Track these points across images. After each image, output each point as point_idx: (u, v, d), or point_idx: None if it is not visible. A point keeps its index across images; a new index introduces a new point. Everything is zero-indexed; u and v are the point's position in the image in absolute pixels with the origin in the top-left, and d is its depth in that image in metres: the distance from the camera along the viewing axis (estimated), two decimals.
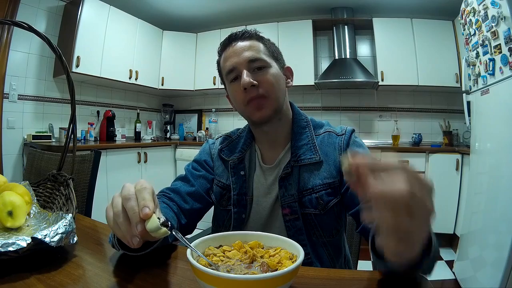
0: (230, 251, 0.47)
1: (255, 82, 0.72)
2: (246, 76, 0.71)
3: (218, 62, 0.82)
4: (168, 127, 3.73)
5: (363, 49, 3.28)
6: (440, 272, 2.12)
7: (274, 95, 0.74)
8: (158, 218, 0.43)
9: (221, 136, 0.90)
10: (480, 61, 1.74)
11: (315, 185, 0.73)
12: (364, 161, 0.33)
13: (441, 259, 2.34)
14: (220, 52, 0.80)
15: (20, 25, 0.62)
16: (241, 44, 0.76)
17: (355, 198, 0.69)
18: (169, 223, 0.45)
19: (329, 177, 0.73)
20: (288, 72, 0.83)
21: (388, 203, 0.31)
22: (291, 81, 0.83)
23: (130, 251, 0.50)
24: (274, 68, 0.76)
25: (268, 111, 0.74)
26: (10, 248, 0.46)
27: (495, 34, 1.54)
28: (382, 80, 2.92)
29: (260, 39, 0.79)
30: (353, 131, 0.79)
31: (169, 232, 0.44)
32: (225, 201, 0.80)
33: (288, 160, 0.76)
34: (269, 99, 0.74)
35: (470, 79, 1.95)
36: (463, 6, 1.91)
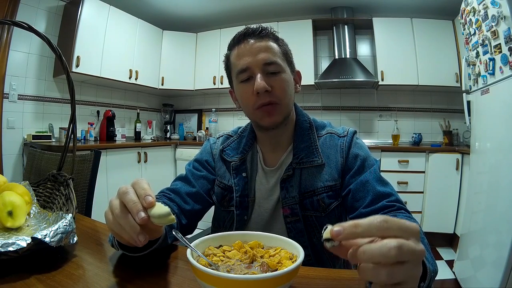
0: (230, 251, 0.47)
1: (269, 87, 0.69)
2: (260, 80, 0.69)
3: (228, 57, 0.78)
4: (168, 127, 3.73)
5: (363, 49, 3.28)
6: (440, 272, 2.11)
7: (285, 102, 0.72)
8: None
9: (222, 136, 0.89)
10: (480, 60, 1.74)
11: (316, 187, 0.73)
12: (346, 231, 0.32)
13: (441, 258, 2.34)
14: (232, 47, 0.76)
15: (20, 25, 0.62)
16: (257, 43, 0.72)
17: (356, 202, 0.69)
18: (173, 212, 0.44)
19: (330, 180, 0.73)
20: (297, 77, 0.81)
21: (378, 262, 0.31)
22: (299, 86, 0.81)
23: (130, 251, 0.50)
24: (287, 73, 0.74)
25: (279, 118, 0.72)
26: (10, 248, 0.46)
27: (495, 33, 1.54)
28: (382, 80, 2.92)
29: (276, 40, 0.75)
30: (355, 132, 0.78)
31: (175, 220, 0.44)
32: (226, 202, 0.80)
33: (290, 162, 0.76)
34: (280, 106, 0.72)
35: (470, 79, 1.95)
36: (463, 5, 1.91)
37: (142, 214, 0.41)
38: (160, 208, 0.42)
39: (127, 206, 0.43)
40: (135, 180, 0.46)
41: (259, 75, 0.69)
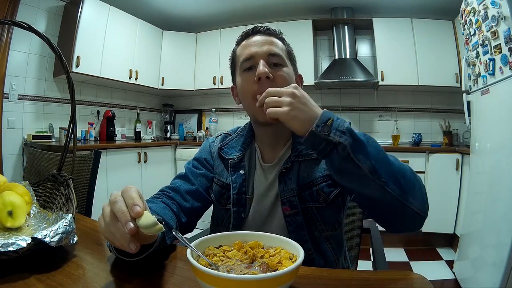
0: (230, 251, 0.47)
1: (270, 75, 0.71)
2: (262, 66, 0.70)
3: (234, 51, 0.81)
4: (168, 127, 3.73)
5: (363, 49, 3.28)
6: (440, 272, 2.12)
7: None
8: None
9: (221, 134, 0.89)
10: (480, 61, 1.74)
11: (314, 178, 0.73)
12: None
13: (441, 259, 2.34)
14: (240, 41, 0.80)
15: (20, 25, 0.62)
16: (263, 37, 0.76)
17: None
18: (162, 220, 0.44)
19: None
20: (299, 80, 0.82)
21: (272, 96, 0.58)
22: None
23: (127, 256, 0.50)
24: (290, 69, 0.77)
25: None
26: (10, 248, 0.46)
27: (495, 34, 1.54)
28: (382, 80, 2.92)
29: (282, 39, 0.80)
30: (349, 124, 0.79)
31: (163, 229, 0.44)
32: (224, 200, 0.80)
33: (288, 156, 0.76)
34: None
35: (470, 79, 1.95)
36: (463, 6, 1.91)
37: (131, 224, 0.42)
38: (147, 218, 0.42)
39: (117, 215, 0.43)
40: (125, 188, 0.46)
41: (262, 62, 0.71)
